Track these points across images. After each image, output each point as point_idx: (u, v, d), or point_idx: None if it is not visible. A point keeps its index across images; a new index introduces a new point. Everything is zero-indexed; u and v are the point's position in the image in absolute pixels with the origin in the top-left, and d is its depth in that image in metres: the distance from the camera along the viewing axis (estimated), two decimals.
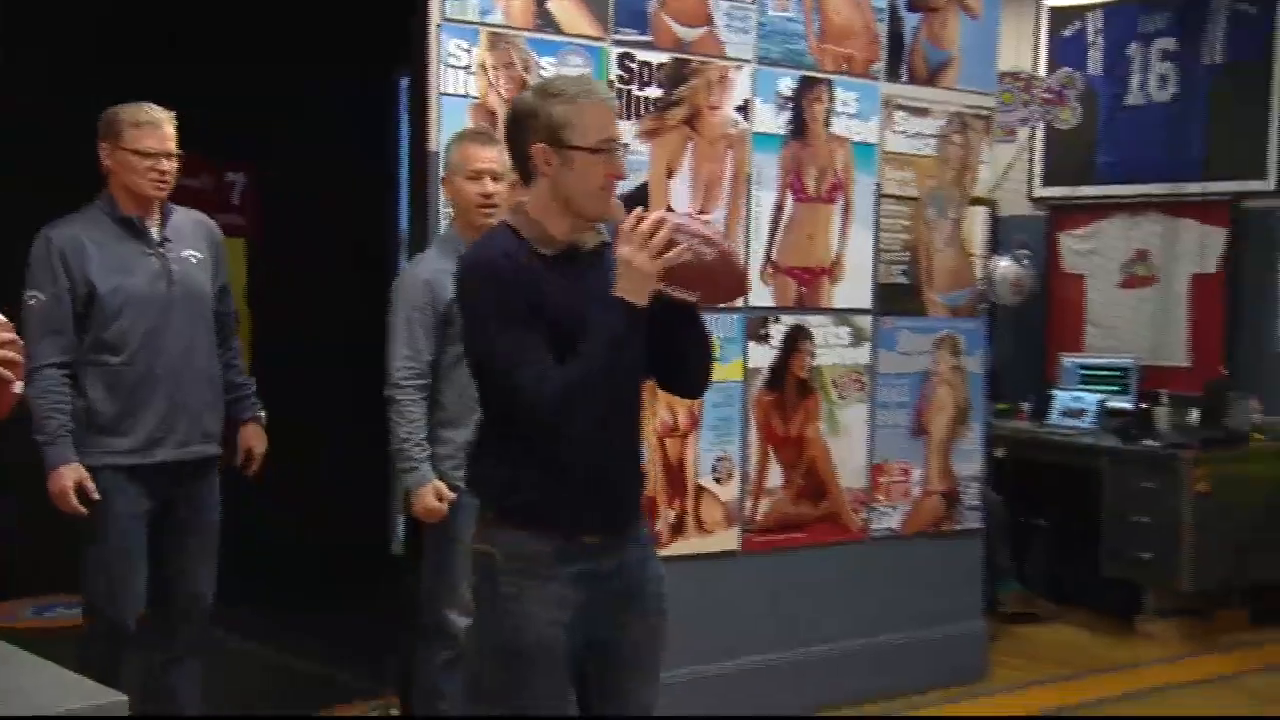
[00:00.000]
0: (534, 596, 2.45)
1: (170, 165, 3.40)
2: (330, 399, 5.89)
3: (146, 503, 3.43)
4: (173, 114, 3.42)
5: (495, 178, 3.44)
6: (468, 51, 3.80)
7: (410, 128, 3.92)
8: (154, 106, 3.40)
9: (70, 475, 3.28)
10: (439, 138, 3.73)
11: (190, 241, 3.52)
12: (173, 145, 3.40)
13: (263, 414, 3.75)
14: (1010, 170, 6.46)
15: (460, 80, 3.79)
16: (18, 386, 2.28)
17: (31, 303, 3.31)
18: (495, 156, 3.43)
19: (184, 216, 3.55)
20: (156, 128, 3.38)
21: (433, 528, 3.52)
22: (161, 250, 3.44)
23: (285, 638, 5.05)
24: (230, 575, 3.75)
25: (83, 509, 3.29)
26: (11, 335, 2.28)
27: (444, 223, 3.70)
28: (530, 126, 2.42)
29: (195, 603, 3.57)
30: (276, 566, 5.36)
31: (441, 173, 3.61)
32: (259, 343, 6.10)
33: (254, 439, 3.71)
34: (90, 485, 3.30)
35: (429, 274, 3.47)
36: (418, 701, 3.65)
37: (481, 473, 2.58)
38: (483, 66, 3.82)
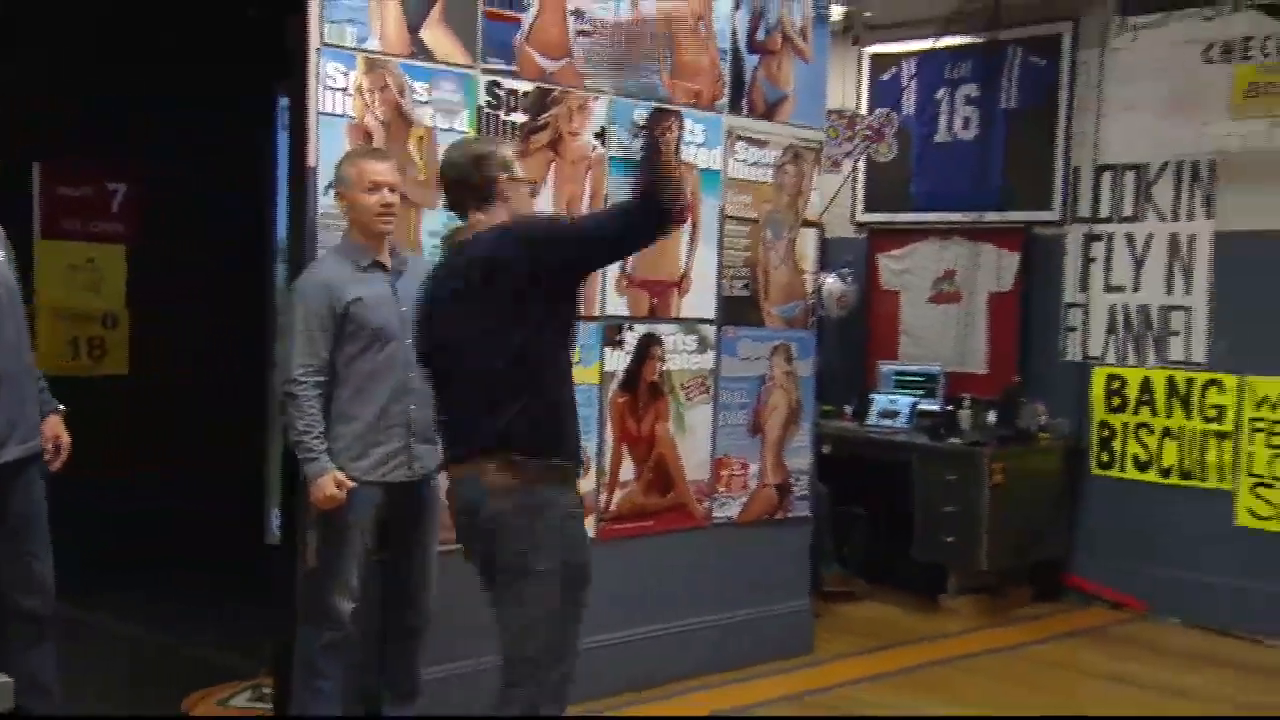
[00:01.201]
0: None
1: None
2: (206, 397, 5.68)
3: None
4: None
5: (392, 189, 3.44)
6: (345, 75, 3.67)
7: (290, 144, 3.77)
8: None
9: None
10: (318, 154, 3.60)
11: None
12: None
13: (62, 407, 3.48)
14: (836, 197, 6.55)
15: (338, 101, 3.66)
16: None
17: None
18: (389, 170, 3.46)
19: None
20: None
21: (325, 517, 3.40)
22: None
23: (163, 623, 4.85)
24: (109, 564, 3.57)
25: None
26: None
27: (339, 233, 3.58)
28: (497, 162, 2.97)
29: (45, 588, 3.35)
30: (154, 557, 5.14)
31: (335, 187, 3.50)
32: (137, 342, 5.85)
33: (60, 429, 3.43)
34: None
35: (328, 278, 3.39)
36: (298, 681, 3.51)
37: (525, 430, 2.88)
38: (359, 89, 3.70)
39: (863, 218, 6.86)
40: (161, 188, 5.74)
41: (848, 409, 6.46)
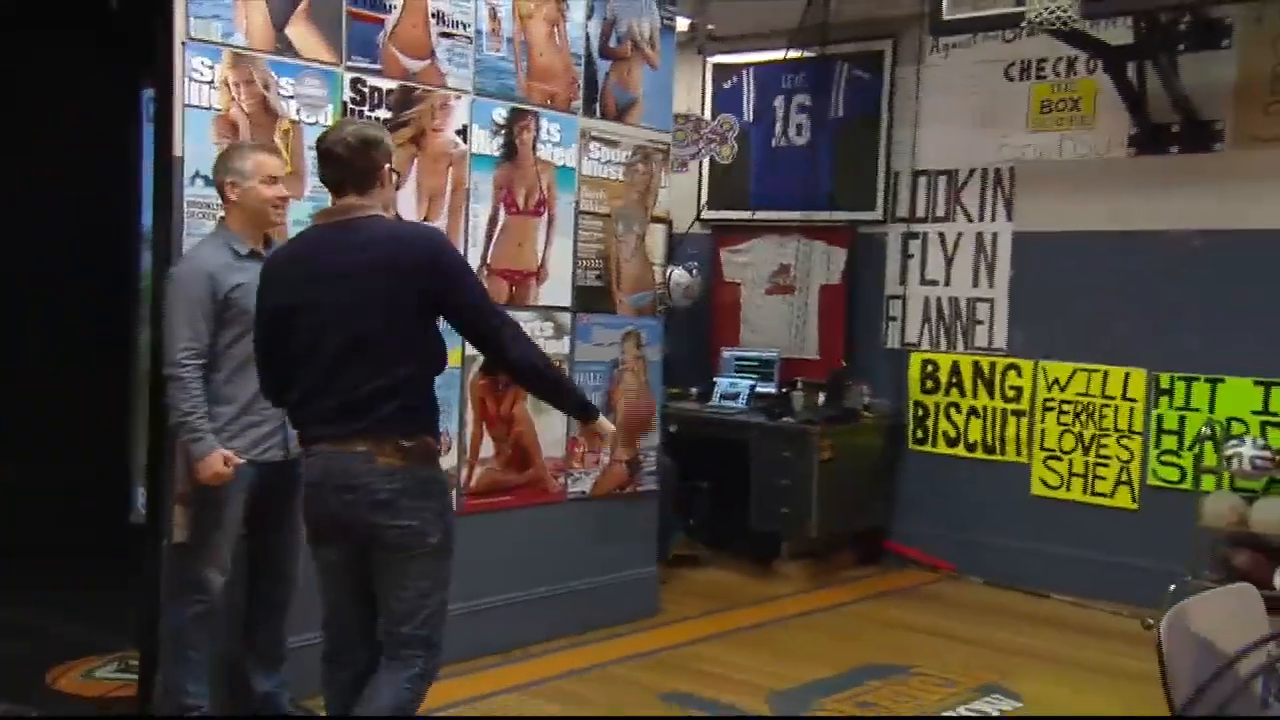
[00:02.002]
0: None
1: None
2: (69, 385, 5.42)
3: None
4: None
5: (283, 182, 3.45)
6: (211, 68, 3.55)
7: (155, 136, 3.63)
8: None
9: None
10: (183, 145, 3.48)
11: None
12: None
13: None
14: (683, 194, 6.61)
15: (204, 94, 3.54)
16: None
17: None
18: (281, 165, 3.50)
19: None
20: None
21: (202, 493, 3.33)
22: None
23: (27, 602, 4.62)
24: None
25: None
26: None
27: (206, 221, 3.47)
28: (384, 151, 2.85)
29: None
30: (21, 537, 4.89)
31: (225, 178, 3.37)
32: None
33: None
34: None
35: (211, 267, 3.30)
36: (168, 651, 3.42)
37: (423, 415, 2.83)
38: (225, 83, 3.58)
39: (707, 215, 6.93)
40: (21, 178, 5.45)
41: (693, 391, 6.52)
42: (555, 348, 4.63)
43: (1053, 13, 4.66)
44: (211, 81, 3.55)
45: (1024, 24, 4.81)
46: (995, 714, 4.13)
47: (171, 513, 3.46)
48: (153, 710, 3.52)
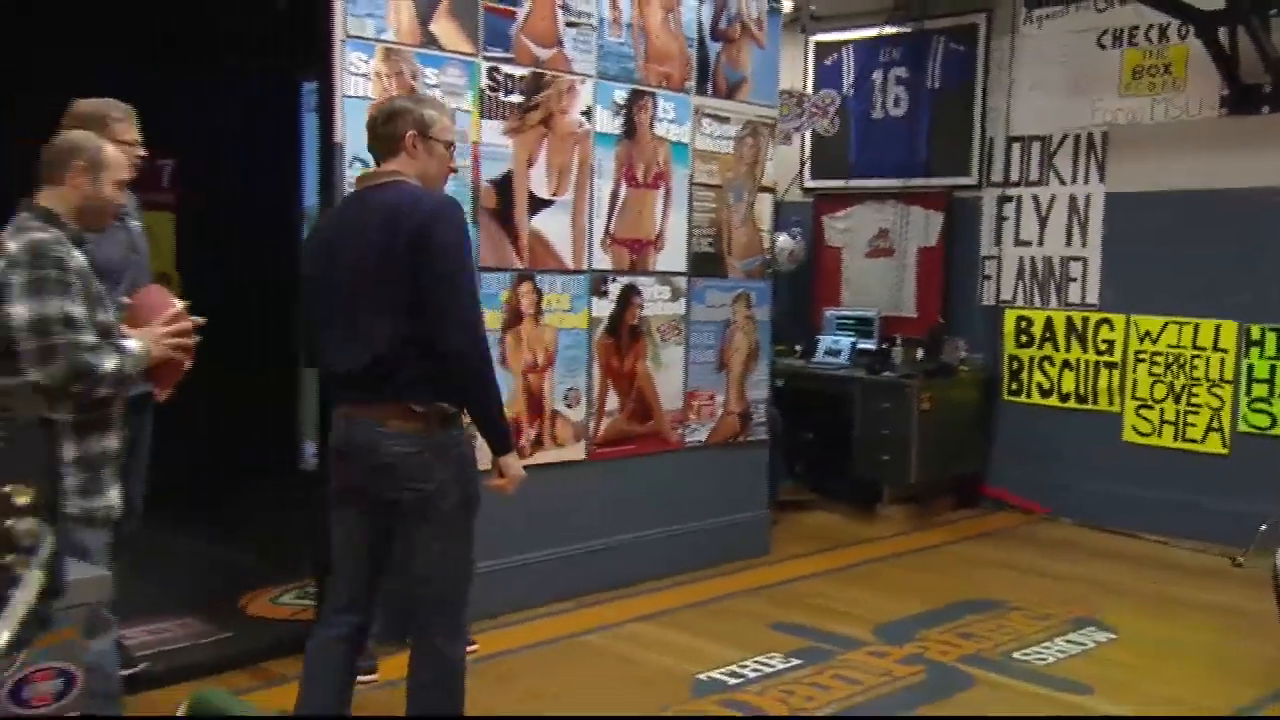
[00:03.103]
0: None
1: None
2: (247, 344, 5.65)
3: None
4: None
5: None
6: (366, 62, 3.65)
7: (320, 124, 3.74)
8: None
9: None
10: (344, 132, 3.59)
11: None
12: None
13: None
14: (788, 165, 6.55)
15: (359, 85, 3.64)
16: (188, 363, 2.51)
17: None
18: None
19: None
20: None
21: None
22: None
23: (218, 537, 4.88)
24: (171, 486, 3.61)
25: None
26: (188, 322, 2.50)
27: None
28: (410, 120, 2.61)
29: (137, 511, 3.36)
30: (213, 486, 5.16)
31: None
32: (187, 298, 5.79)
33: None
34: None
35: None
36: None
37: (431, 385, 2.56)
38: (378, 74, 3.68)
39: (810, 184, 6.85)
40: (203, 163, 5.68)
41: (798, 348, 6.49)
42: (672, 310, 4.66)
43: None
44: (366, 74, 3.64)
45: None
46: (1090, 645, 4.05)
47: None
48: None
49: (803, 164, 6.83)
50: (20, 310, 2.32)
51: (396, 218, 2.50)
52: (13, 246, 2.38)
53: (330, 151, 3.62)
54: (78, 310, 2.38)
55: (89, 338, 2.38)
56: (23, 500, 1.28)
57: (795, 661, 3.80)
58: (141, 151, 3.13)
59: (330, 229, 2.74)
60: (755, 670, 3.71)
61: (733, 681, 3.61)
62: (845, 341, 6.32)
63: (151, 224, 5.46)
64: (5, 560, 1.25)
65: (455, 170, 2.79)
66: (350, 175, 3.60)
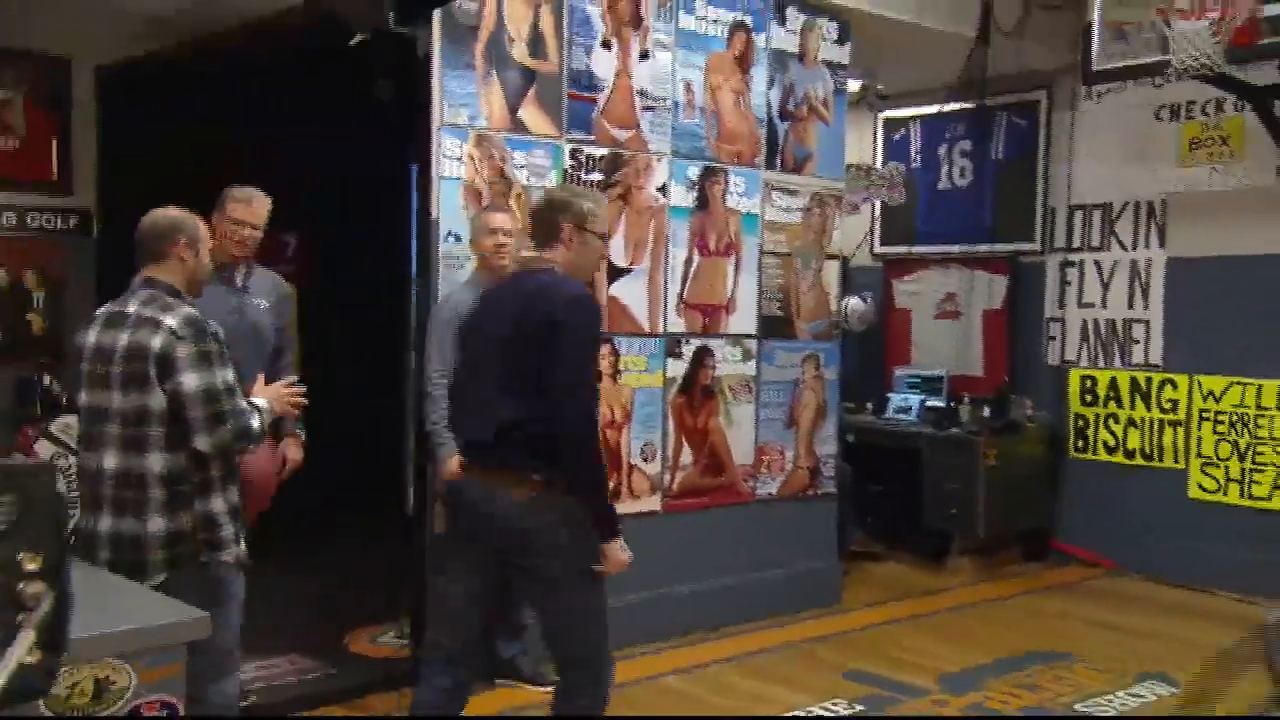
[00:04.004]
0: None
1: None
2: (359, 400, 5.79)
3: None
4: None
5: (506, 234, 3.56)
6: (460, 147, 3.78)
7: (417, 202, 3.88)
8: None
9: None
10: (439, 209, 3.72)
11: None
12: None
13: (299, 433, 3.52)
14: (857, 233, 6.52)
15: (454, 167, 3.77)
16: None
17: None
18: (506, 219, 3.60)
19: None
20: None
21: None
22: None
23: (329, 574, 4.96)
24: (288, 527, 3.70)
25: None
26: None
27: (459, 269, 3.72)
28: (570, 213, 2.65)
29: None
30: (324, 525, 5.25)
31: (471, 235, 3.63)
32: (308, 359, 5.98)
33: (291, 449, 3.50)
34: None
35: (462, 307, 3.38)
36: None
37: (547, 455, 2.53)
38: (470, 158, 3.80)
39: (880, 250, 6.81)
40: (323, 238, 5.91)
41: (869, 406, 6.40)
42: (743, 370, 4.64)
43: (1198, 60, 4.34)
44: (460, 157, 3.77)
45: (1169, 71, 4.50)
46: (1151, 698, 3.83)
47: (433, 508, 3.65)
48: None
49: (871, 231, 6.79)
50: (191, 381, 2.39)
51: (536, 301, 2.55)
52: (171, 322, 2.42)
53: (426, 227, 3.73)
54: (233, 378, 2.48)
55: (244, 403, 2.49)
56: (32, 566, 1.35)
57: (859, 708, 3.69)
58: (252, 231, 3.28)
59: (486, 304, 2.80)
60: (821, 713, 3.61)
61: None
62: (914, 399, 6.20)
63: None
64: (18, 619, 1.32)
65: (607, 258, 2.86)
66: (445, 249, 3.71)
